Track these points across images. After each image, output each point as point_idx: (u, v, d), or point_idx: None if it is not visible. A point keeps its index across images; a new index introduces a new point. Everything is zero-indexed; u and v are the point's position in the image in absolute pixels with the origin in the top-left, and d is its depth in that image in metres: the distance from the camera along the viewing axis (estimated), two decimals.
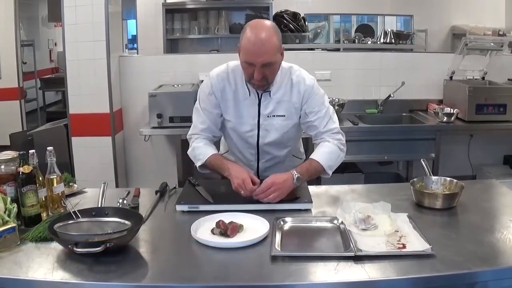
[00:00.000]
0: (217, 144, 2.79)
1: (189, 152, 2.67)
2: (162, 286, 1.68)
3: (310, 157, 2.53)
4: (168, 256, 1.90)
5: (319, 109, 2.57)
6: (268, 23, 2.43)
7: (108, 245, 1.78)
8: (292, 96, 2.56)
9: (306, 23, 6.25)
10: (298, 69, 2.61)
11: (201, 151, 2.58)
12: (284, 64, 2.57)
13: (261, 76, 2.38)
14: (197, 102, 2.67)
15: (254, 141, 2.64)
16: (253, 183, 2.34)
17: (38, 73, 9.16)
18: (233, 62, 2.60)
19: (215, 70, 2.62)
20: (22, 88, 8.04)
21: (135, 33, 6.97)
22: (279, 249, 1.85)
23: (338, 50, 5.70)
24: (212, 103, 2.60)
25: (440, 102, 5.06)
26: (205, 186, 2.48)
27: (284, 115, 2.58)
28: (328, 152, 2.53)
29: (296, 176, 2.37)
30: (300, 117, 2.61)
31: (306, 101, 2.56)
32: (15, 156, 2.13)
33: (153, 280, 1.69)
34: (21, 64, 8.01)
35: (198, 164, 2.59)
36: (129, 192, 2.53)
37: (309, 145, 3.47)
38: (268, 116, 2.58)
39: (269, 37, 2.33)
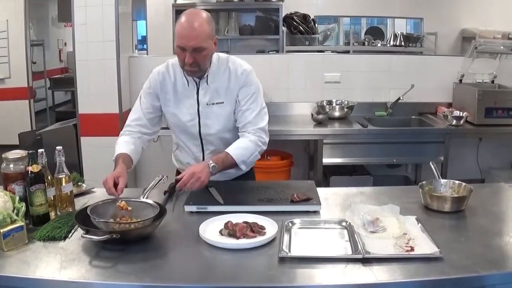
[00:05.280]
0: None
1: None
2: (169, 287, 1.68)
3: (226, 150, 2.55)
4: (176, 256, 1.90)
5: (252, 100, 2.63)
6: (202, 12, 2.50)
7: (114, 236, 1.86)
8: (230, 82, 2.62)
9: (316, 25, 6.27)
10: (236, 59, 2.68)
11: (117, 148, 2.60)
12: (222, 54, 2.68)
13: (192, 61, 2.43)
14: (137, 100, 2.78)
15: (196, 131, 2.68)
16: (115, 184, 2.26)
17: (48, 73, 9.21)
18: (173, 59, 2.65)
19: (156, 68, 2.74)
20: (31, 87, 8.10)
21: (145, 34, 7.02)
22: (287, 251, 1.84)
23: (347, 52, 5.72)
24: (151, 96, 2.70)
25: (449, 105, 5.03)
26: (218, 187, 2.49)
27: (223, 102, 2.63)
28: (244, 148, 2.57)
29: (212, 165, 2.42)
30: (235, 103, 2.65)
31: (242, 87, 2.62)
32: (24, 155, 2.14)
33: (160, 281, 1.69)
34: (30, 64, 8.07)
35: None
36: None
37: None
38: (207, 104, 2.63)
39: (201, 23, 2.42)
